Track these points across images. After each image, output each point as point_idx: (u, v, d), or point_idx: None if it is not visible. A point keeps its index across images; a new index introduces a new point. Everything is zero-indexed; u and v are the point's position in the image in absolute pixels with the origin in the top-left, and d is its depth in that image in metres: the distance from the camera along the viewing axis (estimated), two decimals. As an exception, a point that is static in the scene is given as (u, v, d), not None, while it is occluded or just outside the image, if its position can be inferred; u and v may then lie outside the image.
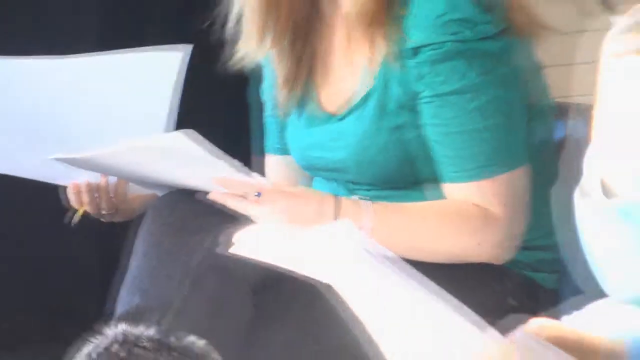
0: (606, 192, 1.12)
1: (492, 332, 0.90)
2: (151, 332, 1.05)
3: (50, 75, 1.61)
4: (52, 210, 1.64)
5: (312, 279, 1.08)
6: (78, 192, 1.56)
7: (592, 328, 1.03)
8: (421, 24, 1.36)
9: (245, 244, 1.15)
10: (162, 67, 1.60)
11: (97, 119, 1.57)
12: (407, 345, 1.02)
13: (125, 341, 1.04)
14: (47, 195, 1.62)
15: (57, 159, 1.45)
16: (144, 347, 1.04)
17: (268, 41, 1.45)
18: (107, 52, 1.61)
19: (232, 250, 1.14)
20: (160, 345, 1.04)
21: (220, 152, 1.34)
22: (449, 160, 1.38)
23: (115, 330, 1.06)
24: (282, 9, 1.46)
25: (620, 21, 1.15)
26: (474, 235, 1.38)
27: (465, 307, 0.98)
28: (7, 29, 2.36)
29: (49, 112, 1.58)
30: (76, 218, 1.60)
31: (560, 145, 1.52)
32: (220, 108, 1.95)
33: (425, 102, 1.37)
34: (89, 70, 1.63)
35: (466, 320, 0.97)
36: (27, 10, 2.51)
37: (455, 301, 1.00)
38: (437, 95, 1.36)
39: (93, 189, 1.56)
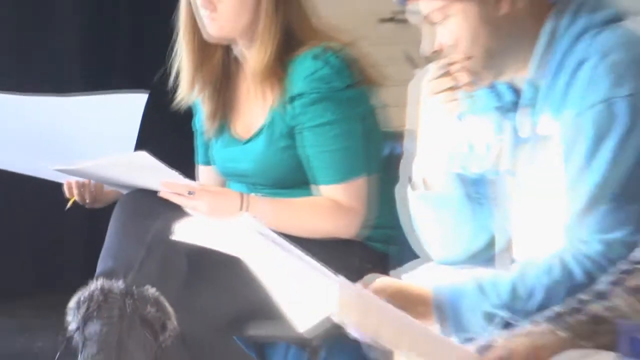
0: (427, 186, 1.66)
1: (343, 282, 1.34)
2: (119, 284, 1.61)
3: (52, 109, 2.22)
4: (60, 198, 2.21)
5: (226, 251, 1.60)
6: (70, 187, 2.15)
7: (421, 282, 1.54)
8: (296, 81, 1.99)
9: (182, 230, 1.64)
10: (134, 104, 2.21)
11: (86, 141, 2.15)
12: (287, 295, 1.47)
13: (102, 291, 1.59)
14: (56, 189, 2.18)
15: (57, 169, 2.03)
16: (115, 294, 1.59)
17: (196, 90, 2.06)
18: (94, 92, 2.29)
19: (174, 234, 1.60)
20: (125, 293, 1.61)
21: (165, 165, 1.88)
22: (319, 170, 1.99)
23: (96, 283, 1.63)
24: (205, 69, 2.10)
25: (421, 75, 1.65)
26: (331, 219, 2.00)
27: (326, 270, 1.42)
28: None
29: (52, 135, 2.16)
30: (69, 204, 2.19)
31: (399, 158, 1.97)
32: (174, 133, 2.53)
33: (299, 132, 1.99)
34: (78, 106, 2.25)
35: (326, 275, 1.45)
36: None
37: (320, 265, 1.44)
38: (307, 128, 1.98)
39: (80, 185, 2.15)
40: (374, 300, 1.35)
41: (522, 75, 1.69)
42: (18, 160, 2.39)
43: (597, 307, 1.47)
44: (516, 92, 1.71)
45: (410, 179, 1.82)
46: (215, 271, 2.04)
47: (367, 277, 1.61)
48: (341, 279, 1.36)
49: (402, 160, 1.90)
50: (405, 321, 1.34)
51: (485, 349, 1.38)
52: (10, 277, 3.66)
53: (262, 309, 1.86)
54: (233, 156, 2.18)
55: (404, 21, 2.02)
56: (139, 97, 2.23)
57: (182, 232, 1.69)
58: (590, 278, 1.53)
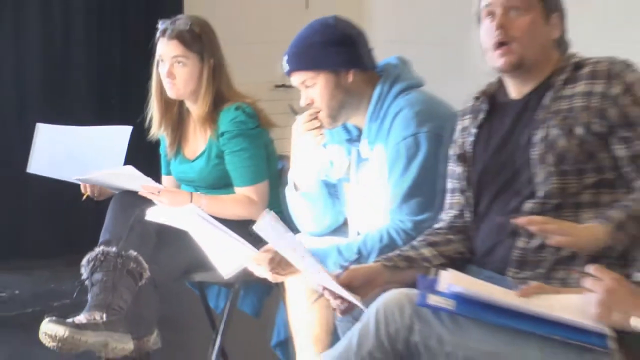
0: (296, 188, 2.38)
1: (250, 246, 2.14)
2: (113, 249, 2.28)
3: (70, 133, 3.01)
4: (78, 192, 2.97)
5: (180, 227, 2.32)
6: (85, 187, 2.87)
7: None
8: (223, 123, 2.69)
9: (153, 214, 2.38)
10: (121, 134, 2.95)
11: (92, 160, 2.91)
12: (216, 254, 2.28)
13: (103, 253, 2.36)
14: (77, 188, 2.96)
15: (76, 179, 2.81)
16: (110, 256, 2.30)
17: (162, 129, 2.80)
18: (100, 126, 3.10)
19: (148, 217, 2.39)
20: (117, 254, 2.27)
21: (142, 174, 2.62)
22: (236, 178, 2.71)
23: (98, 249, 2.36)
24: (167, 116, 2.83)
25: (298, 119, 2.31)
26: (244, 208, 2.69)
27: (241, 238, 2.22)
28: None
29: (71, 153, 2.94)
30: (84, 197, 2.93)
31: (284, 170, 2.82)
32: (148, 154, 3.31)
33: (226, 155, 2.69)
34: (82, 135, 3.05)
35: (241, 242, 2.20)
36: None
37: (237, 235, 2.22)
38: (230, 152, 2.69)
39: (90, 186, 2.88)
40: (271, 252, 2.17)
41: (363, 119, 2.32)
42: (64, 172, 3.08)
43: (411, 253, 2.04)
44: (359, 129, 2.36)
45: (292, 183, 2.53)
46: (173, 239, 2.76)
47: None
48: (249, 245, 2.20)
49: (285, 172, 2.72)
50: (294, 260, 2.01)
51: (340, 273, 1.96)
52: (47, 242, 4.80)
53: (202, 263, 2.66)
54: (184, 170, 2.98)
55: (290, 86, 2.66)
56: (126, 129, 3.04)
57: (153, 216, 2.60)
58: (406, 242, 2.13)
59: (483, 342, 1.83)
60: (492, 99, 2.07)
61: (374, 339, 1.85)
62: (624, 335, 1.67)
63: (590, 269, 1.71)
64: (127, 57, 4.88)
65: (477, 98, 2.09)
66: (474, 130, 2.07)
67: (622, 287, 1.72)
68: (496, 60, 1.97)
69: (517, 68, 1.95)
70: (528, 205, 1.91)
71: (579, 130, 1.88)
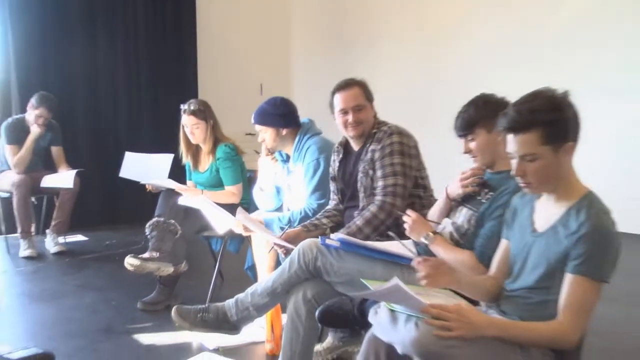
0: (262, 189, 4.14)
1: (232, 217, 3.82)
2: (161, 219, 4.22)
3: (142, 159, 4.75)
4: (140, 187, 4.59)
5: (196, 207, 4.13)
6: (148, 186, 4.42)
7: (259, 217, 3.91)
8: (219, 153, 4.36)
9: (183, 201, 4.19)
10: (167, 159, 4.68)
11: (152, 172, 4.53)
12: (215, 220, 4.06)
13: (157, 221, 4.23)
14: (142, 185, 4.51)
15: (144, 182, 4.42)
16: (161, 223, 4.21)
17: (187, 158, 4.51)
18: (154, 154, 4.78)
19: (180, 202, 4.22)
20: (164, 222, 4.22)
21: (176, 182, 4.34)
22: (225, 181, 4.38)
23: (154, 219, 4.30)
24: (189, 152, 4.51)
25: (262, 154, 4.13)
26: (230, 197, 4.31)
27: (229, 213, 3.98)
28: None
29: (142, 167, 4.61)
30: (147, 191, 4.49)
31: (250, 178, 4.54)
32: (180, 169, 4.65)
33: (219, 169, 4.37)
34: (147, 158, 4.77)
35: (228, 214, 3.89)
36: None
37: (227, 212, 3.91)
38: (222, 168, 4.37)
39: (150, 185, 4.41)
40: (245, 221, 3.43)
41: (290, 150, 3.73)
42: (139, 175, 4.44)
43: (316, 222, 3.22)
44: (289, 156, 3.78)
45: (259, 186, 4.09)
46: (192, 214, 4.11)
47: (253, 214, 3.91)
48: (232, 216, 3.74)
49: (256, 181, 4.17)
50: (256, 228, 3.34)
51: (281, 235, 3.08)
52: (129, 214, 6.83)
53: (208, 226, 4.21)
54: (198, 177, 4.46)
55: (254, 134, 4.14)
56: (169, 156, 4.58)
57: (183, 201, 4.20)
58: (313, 215, 3.42)
59: (354, 263, 2.68)
60: (345, 147, 3.36)
61: (296, 264, 2.73)
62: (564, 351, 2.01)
63: (409, 212, 2.58)
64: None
65: (338, 146, 3.44)
66: (337, 164, 3.27)
67: (419, 220, 2.58)
68: (349, 133, 3.23)
69: (359, 137, 3.17)
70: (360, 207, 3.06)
71: (371, 172, 3.05)
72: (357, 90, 3.23)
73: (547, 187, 2.06)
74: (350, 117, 3.18)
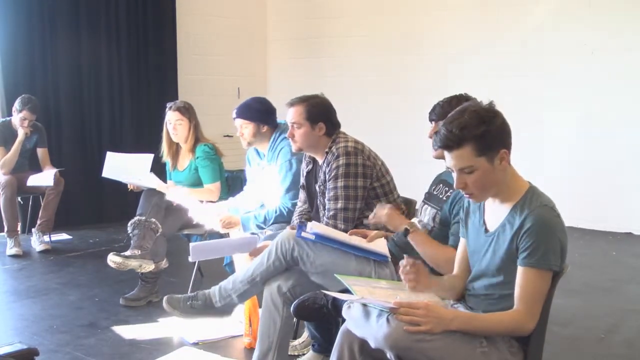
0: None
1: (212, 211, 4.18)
2: (143, 218, 4.24)
3: (123, 159, 4.60)
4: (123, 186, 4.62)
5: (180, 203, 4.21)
6: (130, 185, 4.44)
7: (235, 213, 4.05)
8: (198, 152, 4.42)
9: (171, 196, 4.24)
10: (147, 158, 4.39)
11: (133, 171, 4.38)
12: (196, 217, 4.12)
13: (138, 220, 4.22)
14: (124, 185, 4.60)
15: (126, 181, 4.45)
16: (142, 221, 4.22)
17: (167, 157, 4.53)
18: (134, 154, 4.67)
19: (167, 197, 4.25)
20: (145, 220, 4.23)
21: (159, 179, 4.33)
22: (204, 179, 4.42)
23: (135, 218, 4.30)
24: (170, 150, 4.53)
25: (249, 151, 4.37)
26: (210, 195, 4.35)
27: (209, 209, 4.30)
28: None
29: (123, 167, 4.45)
30: (129, 190, 4.52)
31: (228, 177, 4.62)
32: (161, 167, 4.71)
33: (198, 167, 4.41)
34: (128, 158, 4.64)
35: (209, 211, 4.23)
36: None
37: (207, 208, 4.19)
38: (201, 167, 4.43)
39: (132, 184, 4.43)
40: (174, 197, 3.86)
41: (266, 148, 3.84)
42: (120, 175, 4.43)
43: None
44: (264, 154, 3.88)
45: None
46: (173, 212, 4.23)
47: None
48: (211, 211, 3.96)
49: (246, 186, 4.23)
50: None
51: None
52: (111, 213, 6.78)
53: (188, 224, 4.27)
54: (178, 176, 4.48)
55: (232, 136, 4.56)
56: (149, 155, 4.38)
57: (169, 197, 4.22)
58: (286, 213, 3.66)
59: (327, 256, 2.73)
60: (313, 159, 3.43)
61: (274, 255, 2.81)
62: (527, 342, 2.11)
63: (384, 205, 2.81)
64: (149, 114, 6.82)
65: (308, 157, 3.48)
66: (304, 174, 3.43)
67: (394, 214, 2.76)
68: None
69: (298, 151, 3.41)
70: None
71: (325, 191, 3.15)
72: (299, 109, 3.27)
73: (489, 193, 2.12)
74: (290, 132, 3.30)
